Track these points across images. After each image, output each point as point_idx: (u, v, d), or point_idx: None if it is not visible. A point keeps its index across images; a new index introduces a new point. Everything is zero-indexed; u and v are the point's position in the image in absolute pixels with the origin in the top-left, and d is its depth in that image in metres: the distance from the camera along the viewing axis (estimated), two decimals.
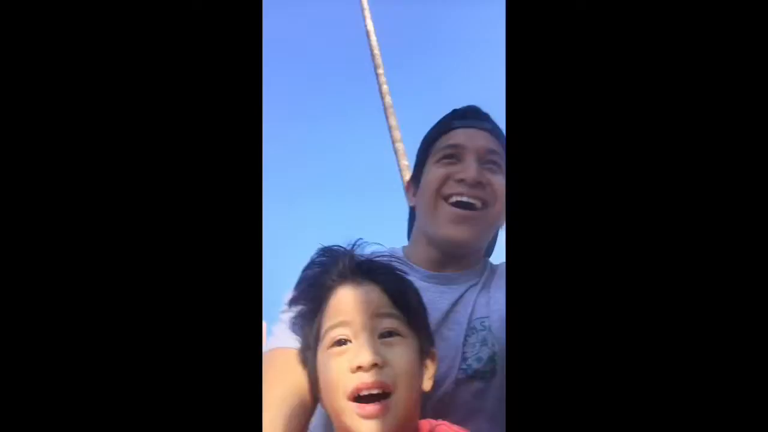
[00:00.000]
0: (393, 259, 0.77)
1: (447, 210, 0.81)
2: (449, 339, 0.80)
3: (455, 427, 0.69)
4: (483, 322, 0.80)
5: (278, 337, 0.80)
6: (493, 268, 0.91)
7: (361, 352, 0.63)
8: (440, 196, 0.82)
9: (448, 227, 0.81)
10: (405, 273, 0.75)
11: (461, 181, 0.79)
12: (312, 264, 0.76)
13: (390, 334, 0.66)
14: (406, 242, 1.00)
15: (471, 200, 0.80)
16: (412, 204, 0.94)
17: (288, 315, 0.79)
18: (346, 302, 0.68)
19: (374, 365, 0.62)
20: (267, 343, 0.81)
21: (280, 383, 0.72)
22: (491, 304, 0.82)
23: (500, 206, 0.82)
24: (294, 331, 0.75)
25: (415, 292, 0.73)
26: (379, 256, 0.75)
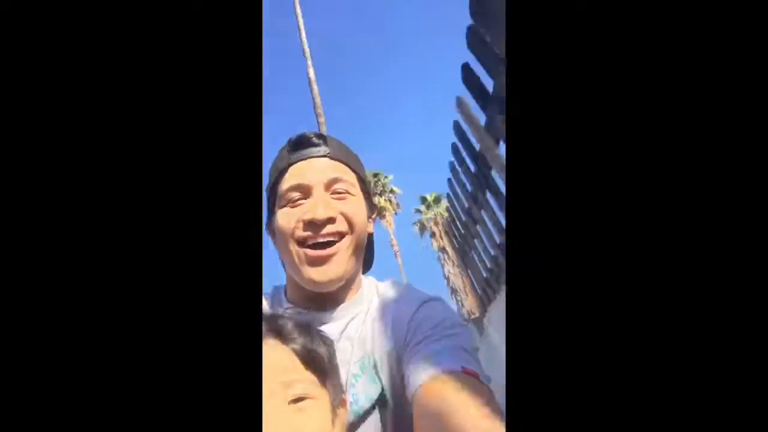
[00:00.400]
0: (281, 308, 0.77)
1: (305, 254, 0.76)
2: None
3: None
4: (369, 359, 0.77)
5: None
6: (379, 291, 0.87)
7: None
8: (295, 241, 0.77)
9: (311, 272, 0.76)
10: (309, 325, 0.71)
11: (310, 223, 0.75)
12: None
13: (301, 399, 0.62)
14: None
15: (327, 239, 0.76)
16: (276, 248, 0.90)
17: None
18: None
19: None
20: None
21: None
22: (374, 338, 0.79)
23: (359, 230, 0.79)
24: None
25: (326, 343, 0.70)
26: (281, 315, 0.72)
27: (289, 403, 0.61)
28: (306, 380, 0.64)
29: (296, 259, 0.76)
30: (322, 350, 0.68)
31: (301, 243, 0.76)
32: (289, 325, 0.68)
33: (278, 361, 0.64)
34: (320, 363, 0.67)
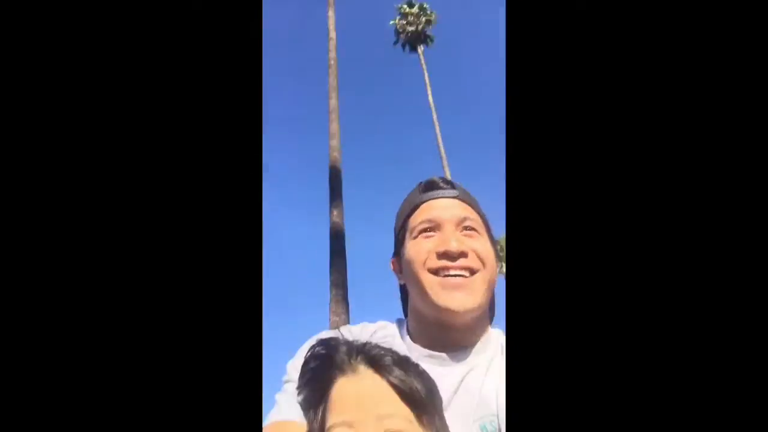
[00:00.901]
0: (391, 342, 0.75)
1: (437, 281, 0.77)
2: None
3: None
4: (492, 422, 0.74)
5: (281, 409, 0.80)
6: (503, 343, 0.84)
7: None
8: (427, 271, 0.78)
9: (442, 296, 0.77)
10: (407, 359, 0.71)
11: (444, 254, 0.77)
12: (312, 357, 0.74)
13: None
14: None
15: (459, 272, 0.77)
16: (402, 282, 0.91)
17: (291, 387, 0.79)
18: (348, 399, 0.66)
19: None
20: (269, 415, 0.81)
21: None
22: (499, 398, 0.75)
23: (490, 269, 0.80)
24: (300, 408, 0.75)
25: (424, 379, 0.70)
26: (379, 346, 0.71)
27: None
28: (400, 415, 0.64)
29: (429, 288, 0.77)
30: (419, 386, 0.67)
31: (434, 272, 0.77)
32: (388, 358, 0.69)
33: (374, 392, 0.65)
34: (417, 399, 0.66)
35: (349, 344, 0.72)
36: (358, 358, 0.69)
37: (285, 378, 0.87)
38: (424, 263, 0.77)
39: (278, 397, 0.85)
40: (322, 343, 0.74)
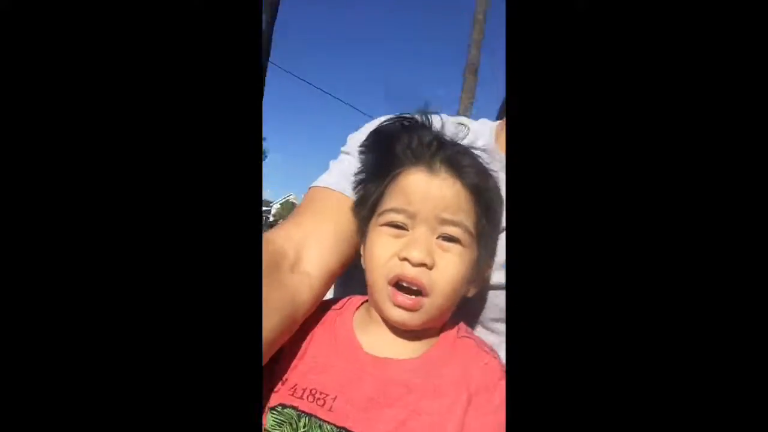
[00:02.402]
0: (481, 149, 0.69)
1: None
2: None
3: (477, 339, 0.68)
4: None
5: (331, 176, 0.78)
6: None
7: (413, 246, 0.62)
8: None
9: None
10: (493, 171, 0.67)
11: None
12: (390, 125, 0.70)
13: (450, 239, 0.64)
14: None
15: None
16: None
17: (348, 160, 0.77)
18: (417, 191, 0.64)
19: (421, 264, 0.61)
20: (321, 177, 0.79)
21: (331, 220, 0.72)
22: None
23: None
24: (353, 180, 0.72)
25: (498, 198, 0.68)
26: (465, 147, 0.67)
27: (437, 237, 0.63)
28: (463, 225, 0.64)
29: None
30: (494, 202, 0.67)
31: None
32: (469, 163, 0.66)
33: (446, 194, 0.64)
34: (488, 215, 0.66)
35: (433, 134, 0.67)
36: (439, 153, 0.65)
37: (344, 149, 0.83)
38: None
39: (332, 164, 0.82)
40: (403, 121, 0.70)
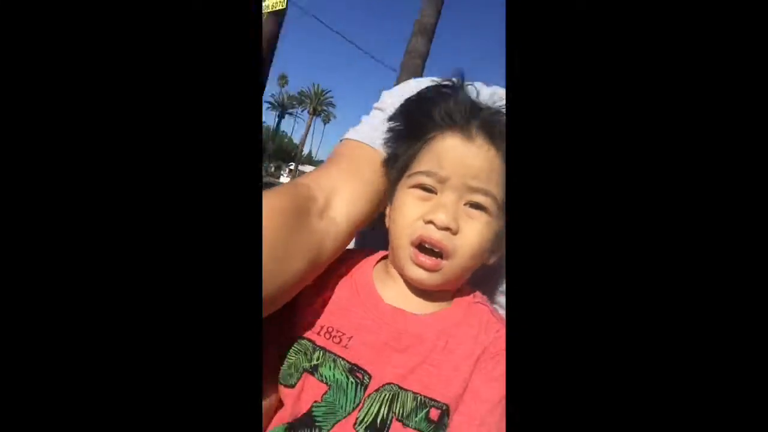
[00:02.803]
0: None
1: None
2: None
3: (491, 307, 0.71)
4: None
5: (362, 130, 0.78)
6: None
7: (440, 210, 0.63)
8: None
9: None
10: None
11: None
12: (428, 88, 0.70)
13: (478, 206, 0.65)
14: None
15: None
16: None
17: (380, 116, 0.78)
18: (450, 156, 0.65)
19: (446, 228, 0.63)
20: (352, 130, 0.80)
21: (360, 173, 0.73)
22: None
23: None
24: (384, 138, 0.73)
25: None
26: (504, 114, 0.65)
27: (464, 204, 0.65)
28: (492, 194, 0.64)
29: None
30: None
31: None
32: (503, 128, 0.63)
33: (478, 163, 0.64)
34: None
35: (471, 100, 0.67)
36: (476, 119, 0.65)
37: (377, 105, 0.84)
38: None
39: (364, 118, 0.82)
40: (440, 86, 0.70)
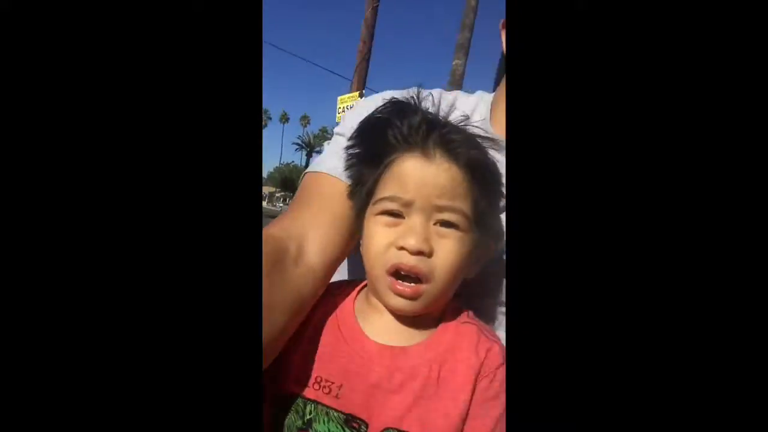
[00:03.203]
0: (477, 125, 0.66)
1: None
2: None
3: (480, 325, 0.67)
4: None
5: (327, 160, 0.77)
6: None
7: (410, 235, 0.61)
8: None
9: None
10: (491, 147, 0.65)
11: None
12: (378, 117, 0.67)
13: (448, 224, 0.62)
14: None
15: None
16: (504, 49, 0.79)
17: (342, 141, 0.75)
18: (411, 178, 0.62)
19: (419, 253, 0.61)
20: (315, 162, 0.79)
21: (329, 208, 0.71)
22: None
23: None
24: (347, 166, 0.71)
25: (496, 175, 0.65)
26: (460, 129, 0.65)
27: (434, 224, 0.62)
28: (461, 211, 0.62)
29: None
30: (492, 184, 0.65)
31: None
32: (460, 140, 0.63)
33: (442, 181, 0.62)
34: (488, 197, 0.64)
35: (423, 116, 0.64)
36: (432, 136, 0.63)
37: (337, 130, 0.82)
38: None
39: (326, 146, 0.82)
40: (394, 105, 0.67)
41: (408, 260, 0.61)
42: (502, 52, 0.85)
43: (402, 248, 0.61)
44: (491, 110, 0.84)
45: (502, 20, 0.82)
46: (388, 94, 0.76)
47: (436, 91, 0.78)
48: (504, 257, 0.69)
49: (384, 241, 0.63)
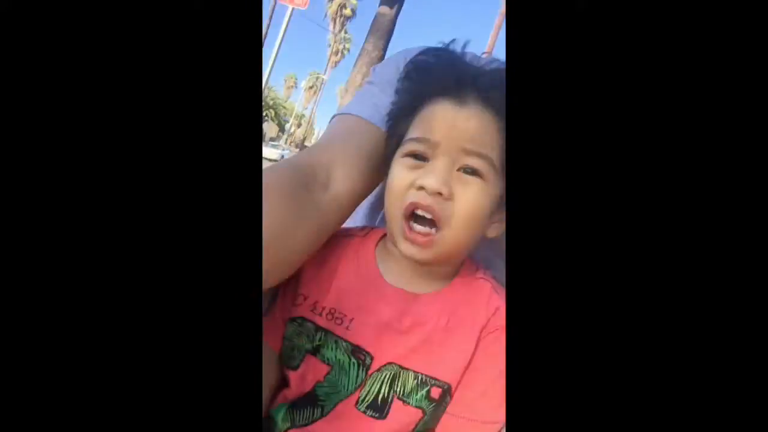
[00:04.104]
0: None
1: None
2: None
3: (494, 283, 0.69)
4: None
5: (355, 103, 0.78)
6: None
7: (430, 175, 0.61)
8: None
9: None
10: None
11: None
12: (419, 58, 0.68)
13: (472, 171, 0.62)
14: None
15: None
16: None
17: (375, 89, 0.77)
18: (441, 121, 0.63)
19: (437, 194, 0.61)
20: (343, 106, 0.80)
21: (355, 143, 0.72)
22: None
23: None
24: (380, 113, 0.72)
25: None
26: (496, 72, 0.64)
27: (458, 170, 0.62)
28: (488, 157, 0.62)
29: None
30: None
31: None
32: (498, 92, 0.61)
33: (473, 126, 0.62)
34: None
35: (460, 65, 0.65)
36: (469, 84, 0.63)
37: (368, 79, 0.83)
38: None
39: (357, 94, 0.82)
40: (428, 53, 0.69)
41: (424, 199, 0.61)
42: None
43: (421, 188, 0.61)
44: None
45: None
46: (418, 48, 0.76)
47: (469, 51, 0.80)
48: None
49: (405, 180, 0.63)
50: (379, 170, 0.72)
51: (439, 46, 0.71)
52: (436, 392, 0.65)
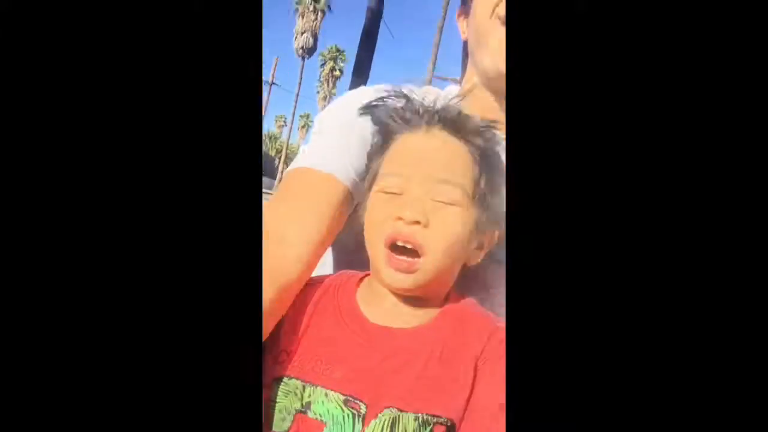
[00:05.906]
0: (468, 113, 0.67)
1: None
2: None
3: (483, 311, 0.68)
4: None
5: (303, 156, 0.78)
6: None
7: (407, 205, 0.62)
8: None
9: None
10: (494, 129, 0.67)
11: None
12: (375, 104, 0.70)
13: (446, 200, 0.63)
14: None
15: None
16: (465, 38, 0.85)
17: (317, 139, 0.78)
18: (411, 153, 0.65)
19: (415, 222, 0.61)
20: (294, 162, 0.79)
21: (305, 196, 0.72)
22: None
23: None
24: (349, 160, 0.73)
25: (496, 158, 0.67)
26: (460, 109, 0.67)
27: (432, 199, 0.63)
28: (460, 185, 0.63)
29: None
30: (496, 160, 0.66)
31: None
32: (462, 119, 0.65)
33: (442, 156, 0.64)
34: (493, 172, 0.65)
35: (421, 101, 0.67)
36: (433, 115, 0.65)
37: (315, 130, 0.82)
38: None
39: (304, 148, 0.80)
40: (386, 93, 0.70)
41: (404, 229, 0.62)
42: (463, 41, 0.89)
43: (399, 219, 0.62)
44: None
45: (458, 9, 0.88)
46: (367, 89, 0.78)
47: (424, 88, 0.81)
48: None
49: (383, 213, 0.64)
50: (334, 216, 0.72)
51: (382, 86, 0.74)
52: (439, 430, 0.61)
